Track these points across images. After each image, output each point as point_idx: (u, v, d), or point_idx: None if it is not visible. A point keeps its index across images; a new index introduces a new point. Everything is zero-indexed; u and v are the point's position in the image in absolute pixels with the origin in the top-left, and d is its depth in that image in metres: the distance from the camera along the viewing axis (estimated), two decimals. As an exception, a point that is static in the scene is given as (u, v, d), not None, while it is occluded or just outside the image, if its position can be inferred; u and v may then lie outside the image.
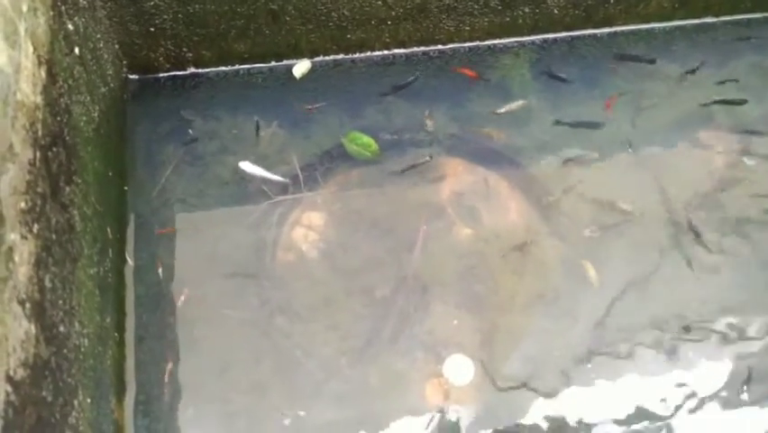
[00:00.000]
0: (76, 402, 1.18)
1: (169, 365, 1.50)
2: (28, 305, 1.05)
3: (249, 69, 1.88)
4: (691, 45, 1.99)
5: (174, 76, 1.85)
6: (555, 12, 1.88)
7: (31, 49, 1.20)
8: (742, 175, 1.80)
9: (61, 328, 1.16)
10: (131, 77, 1.83)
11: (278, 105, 1.83)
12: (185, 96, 1.83)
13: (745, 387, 1.54)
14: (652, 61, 1.92)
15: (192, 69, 1.85)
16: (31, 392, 1.01)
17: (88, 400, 1.23)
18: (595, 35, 1.99)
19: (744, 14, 2.02)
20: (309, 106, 1.80)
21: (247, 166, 1.70)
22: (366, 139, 1.75)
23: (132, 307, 1.54)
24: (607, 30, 1.98)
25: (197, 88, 1.85)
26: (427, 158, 1.71)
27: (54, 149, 1.24)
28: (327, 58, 1.90)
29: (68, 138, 1.32)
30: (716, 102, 1.87)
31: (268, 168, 1.75)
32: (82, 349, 1.24)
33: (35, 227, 1.11)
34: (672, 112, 1.88)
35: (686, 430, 1.50)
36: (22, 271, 1.05)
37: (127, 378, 1.47)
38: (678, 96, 1.90)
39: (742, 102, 1.87)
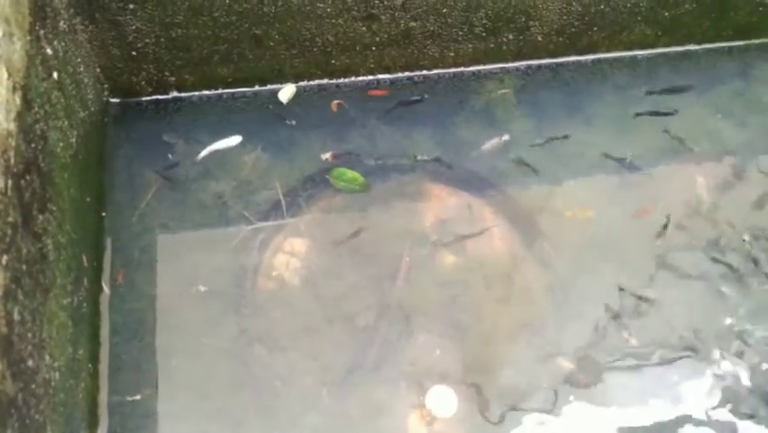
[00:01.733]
0: (44, 439, 1.14)
1: (145, 397, 1.46)
2: (-6, 340, 1.01)
3: (233, 94, 1.86)
4: (675, 72, 2.01)
5: (156, 100, 1.83)
6: (539, 39, 1.89)
7: (5, 75, 1.18)
8: (723, 199, 1.80)
9: (30, 363, 1.12)
10: (112, 100, 1.81)
11: (261, 129, 1.82)
12: (167, 120, 1.82)
13: (731, 409, 1.53)
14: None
15: (174, 93, 1.83)
16: (-6, 431, 0.98)
17: (58, 436, 1.20)
18: (579, 62, 1.99)
19: (726, 42, 2.04)
20: (336, 103, 1.81)
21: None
22: (351, 174, 1.74)
23: (108, 336, 1.51)
24: (591, 57, 1.99)
25: (180, 112, 1.83)
26: None
27: (27, 177, 1.21)
28: (312, 82, 1.89)
29: (42, 165, 1.29)
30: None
31: (251, 193, 1.73)
32: (52, 383, 1.20)
33: (4, 259, 1.08)
34: (657, 139, 1.88)
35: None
36: (-11, 304, 1.02)
37: (100, 411, 1.43)
38: (662, 122, 1.91)
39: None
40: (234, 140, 1.77)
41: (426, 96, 1.89)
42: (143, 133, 1.79)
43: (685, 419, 1.52)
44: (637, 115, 1.90)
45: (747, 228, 1.77)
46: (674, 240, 1.73)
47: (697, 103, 1.95)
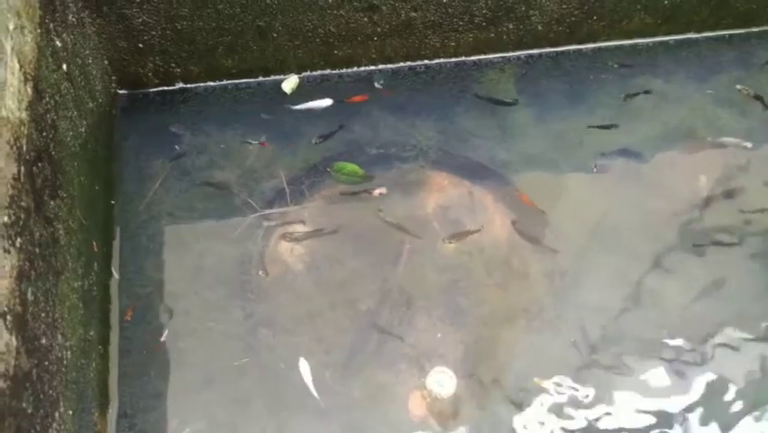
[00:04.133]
0: (57, 414, 1.18)
1: (153, 379, 1.51)
2: (9, 317, 1.06)
3: (237, 84, 1.90)
4: (675, 61, 2.02)
5: (163, 91, 1.88)
6: (540, 28, 1.91)
7: (17, 66, 1.23)
8: (724, 188, 1.82)
9: (43, 341, 1.17)
10: (120, 92, 1.86)
11: (266, 119, 1.86)
12: (173, 111, 1.86)
13: (728, 398, 1.55)
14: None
15: (181, 85, 1.88)
16: (10, 403, 1.02)
17: (70, 413, 1.24)
18: (579, 50, 2.01)
19: (725, 30, 2.05)
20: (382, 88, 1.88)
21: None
22: (350, 167, 1.77)
23: (118, 320, 1.56)
24: (591, 45, 2.01)
25: (186, 103, 1.87)
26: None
27: (39, 164, 1.26)
28: (315, 73, 1.93)
29: (53, 153, 1.34)
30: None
31: (255, 182, 1.77)
32: (64, 362, 1.25)
33: (18, 241, 1.12)
34: (657, 127, 1.90)
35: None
36: (4, 284, 1.06)
37: (111, 391, 1.47)
38: (662, 111, 1.92)
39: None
40: (325, 102, 1.85)
41: (519, 101, 1.91)
42: (151, 124, 1.83)
43: (688, 406, 1.54)
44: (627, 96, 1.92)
45: (746, 217, 1.78)
46: (675, 230, 1.75)
47: (697, 91, 1.96)
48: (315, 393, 1.50)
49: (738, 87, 1.91)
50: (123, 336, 1.54)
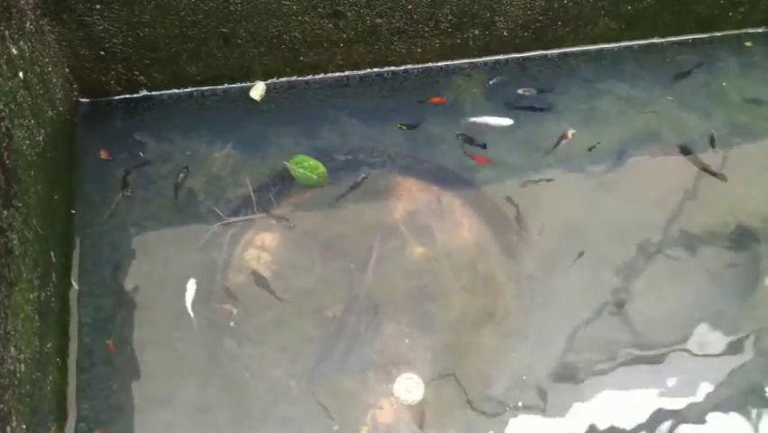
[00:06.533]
0: (8, 429, 1.15)
1: (115, 391, 1.48)
2: (-44, 330, 1.03)
3: (203, 92, 1.89)
4: (640, 66, 2.04)
5: (126, 99, 1.85)
6: (505, 34, 1.92)
7: (-32, 73, 1.20)
8: (689, 191, 1.83)
9: (-6, 354, 1.14)
10: (82, 100, 1.83)
11: (232, 126, 1.84)
12: (138, 119, 1.84)
13: (696, 402, 1.56)
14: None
15: (144, 92, 1.86)
16: (-45, 420, 0.99)
17: (23, 427, 1.21)
18: (545, 56, 2.03)
19: (688, 35, 2.08)
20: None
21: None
22: (312, 162, 1.74)
23: (77, 332, 1.52)
24: (557, 51, 2.03)
25: (150, 111, 1.85)
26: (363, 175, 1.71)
27: (-9, 173, 1.23)
28: (281, 80, 1.92)
29: (7, 162, 1.31)
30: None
31: (221, 189, 1.75)
32: (18, 375, 1.22)
33: (-34, 252, 1.10)
34: (623, 131, 1.91)
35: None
36: (-50, 296, 1.03)
37: (69, 404, 1.44)
38: (628, 116, 1.94)
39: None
40: (506, 121, 1.84)
41: (550, 109, 1.91)
42: (114, 131, 1.81)
43: (653, 414, 1.55)
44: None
45: (714, 221, 1.79)
46: (642, 235, 1.76)
47: (662, 95, 1.98)
48: (191, 313, 1.50)
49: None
50: (83, 348, 1.51)
